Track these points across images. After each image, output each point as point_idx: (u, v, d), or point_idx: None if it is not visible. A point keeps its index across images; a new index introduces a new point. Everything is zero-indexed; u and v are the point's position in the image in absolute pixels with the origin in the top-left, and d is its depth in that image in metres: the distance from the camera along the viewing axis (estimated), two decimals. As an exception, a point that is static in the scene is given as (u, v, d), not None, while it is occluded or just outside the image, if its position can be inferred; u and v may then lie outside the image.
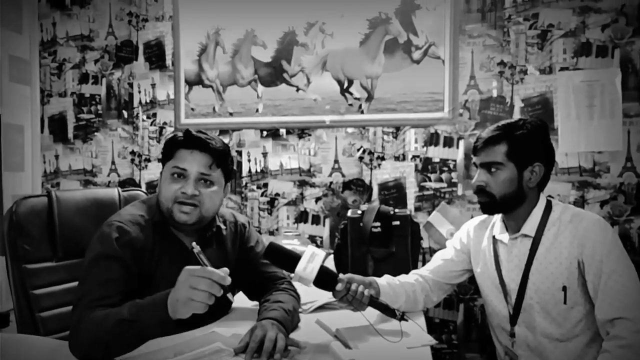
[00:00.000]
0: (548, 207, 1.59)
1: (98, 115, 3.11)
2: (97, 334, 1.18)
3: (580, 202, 2.52)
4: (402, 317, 1.41)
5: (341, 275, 1.42)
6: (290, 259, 1.37)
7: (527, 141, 1.54)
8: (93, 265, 1.32)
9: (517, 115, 2.58)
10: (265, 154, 2.90)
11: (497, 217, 1.69)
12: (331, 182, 2.82)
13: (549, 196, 1.66)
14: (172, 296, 1.16)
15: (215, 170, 1.46)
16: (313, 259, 1.35)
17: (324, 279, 1.37)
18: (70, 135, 3.15)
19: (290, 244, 2.33)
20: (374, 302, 1.43)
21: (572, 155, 2.55)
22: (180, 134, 1.48)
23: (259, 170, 2.91)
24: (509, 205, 1.57)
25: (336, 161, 2.82)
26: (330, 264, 2.24)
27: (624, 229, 2.48)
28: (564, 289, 1.49)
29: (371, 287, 1.55)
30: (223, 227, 1.58)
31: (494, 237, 1.67)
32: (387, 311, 1.43)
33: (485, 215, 1.73)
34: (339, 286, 1.39)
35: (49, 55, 3.16)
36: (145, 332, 1.18)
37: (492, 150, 1.56)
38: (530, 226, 1.57)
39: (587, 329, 1.49)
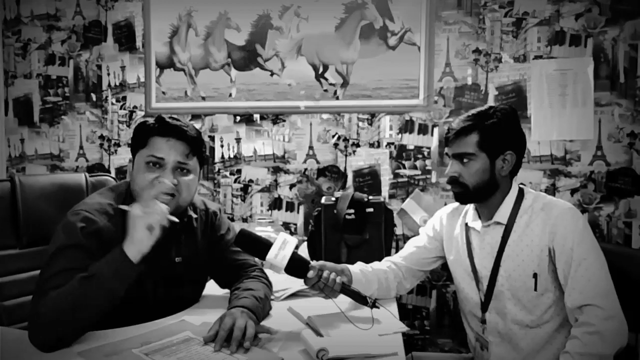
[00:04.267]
0: (520, 195, 1.60)
1: (65, 98, 3.01)
2: (59, 306, 1.16)
3: (552, 190, 2.55)
4: (373, 305, 1.41)
5: (313, 263, 1.41)
6: (262, 246, 1.36)
7: (497, 130, 1.55)
8: (56, 255, 1.27)
9: (491, 103, 2.58)
10: (238, 140, 2.86)
11: (470, 205, 1.69)
12: (306, 169, 2.80)
13: (521, 184, 1.67)
14: (129, 227, 1.23)
15: (192, 158, 1.43)
16: (285, 246, 1.34)
17: (295, 266, 1.36)
18: (36, 118, 3.04)
19: (264, 231, 2.31)
20: (346, 289, 1.43)
21: (544, 143, 2.57)
22: (151, 120, 1.43)
23: (232, 156, 2.87)
24: (483, 194, 1.58)
25: (311, 147, 2.79)
26: (304, 251, 2.23)
27: (594, 217, 2.52)
28: (535, 276, 1.50)
29: (343, 274, 1.55)
30: (194, 215, 1.55)
31: (466, 224, 1.68)
32: (359, 298, 1.43)
33: (458, 203, 1.73)
34: (311, 273, 1.38)
35: (13, 34, 3.04)
36: (108, 284, 1.19)
37: (464, 141, 1.56)
38: (502, 214, 1.58)
39: (556, 315, 1.51)
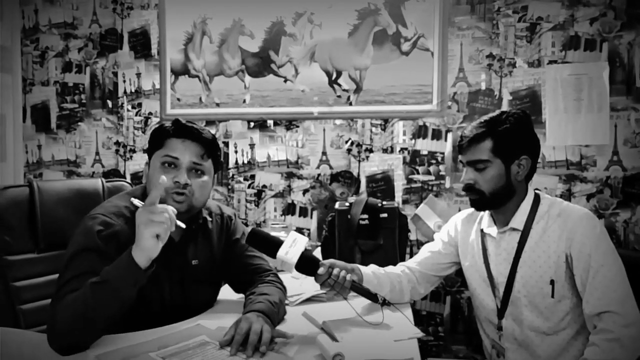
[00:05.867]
0: (536, 201, 1.59)
1: (82, 104, 3.05)
2: (74, 311, 1.17)
3: (567, 196, 2.53)
4: (384, 302, 1.42)
5: (323, 261, 1.43)
6: (273, 244, 1.38)
7: (511, 135, 1.54)
8: (74, 258, 1.29)
9: (505, 108, 2.57)
10: (252, 146, 2.87)
11: (485, 211, 1.68)
12: (319, 174, 2.81)
13: (537, 189, 1.66)
14: (137, 233, 1.20)
15: (207, 160, 1.46)
16: (295, 244, 1.37)
17: (306, 264, 1.38)
18: (54, 124, 3.09)
19: (277, 236, 2.31)
20: (356, 286, 1.45)
21: (560, 148, 2.55)
22: (168, 123, 1.46)
23: (246, 161, 2.88)
24: (499, 200, 1.57)
25: (324, 153, 2.80)
26: (318, 256, 2.23)
27: (610, 222, 2.50)
28: (552, 282, 1.49)
29: (353, 272, 1.56)
30: (209, 219, 1.56)
31: (482, 230, 1.67)
32: (369, 296, 1.45)
33: (473, 209, 1.72)
34: (321, 270, 1.39)
35: (31, 42, 3.09)
36: (118, 290, 1.19)
37: (478, 148, 1.55)
38: (518, 220, 1.56)
39: (573, 322, 1.50)
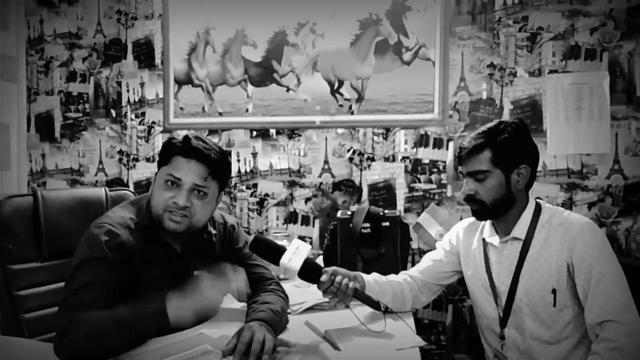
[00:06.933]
0: (537, 210, 1.59)
1: (86, 114, 3.08)
2: (91, 333, 1.18)
3: (568, 204, 2.54)
4: (386, 310, 1.43)
5: (326, 268, 1.44)
6: (276, 251, 1.39)
7: (510, 145, 1.54)
8: (81, 267, 1.30)
9: (506, 118, 2.58)
10: (254, 154, 2.89)
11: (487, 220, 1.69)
12: (321, 183, 2.82)
13: (538, 198, 1.66)
14: (180, 305, 1.24)
15: (211, 182, 1.43)
16: (298, 251, 1.39)
17: (309, 271, 1.39)
18: (57, 134, 3.11)
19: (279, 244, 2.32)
20: (358, 294, 1.46)
21: (561, 157, 2.56)
22: (178, 139, 1.44)
23: (248, 170, 2.90)
24: (501, 209, 1.57)
25: (326, 162, 2.81)
26: (320, 264, 2.24)
27: (612, 231, 2.50)
28: (554, 291, 1.49)
29: (356, 280, 1.57)
30: (214, 232, 1.56)
31: (483, 239, 1.67)
32: (372, 303, 1.47)
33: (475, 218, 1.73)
34: (324, 277, 1.41)
35: (36, 52, 3.12)
36: (140, 332, 1.23)
37: (477, 159, 1.56)
38: (520, 229, 1.57)
39: (575, 331, 1.50)
